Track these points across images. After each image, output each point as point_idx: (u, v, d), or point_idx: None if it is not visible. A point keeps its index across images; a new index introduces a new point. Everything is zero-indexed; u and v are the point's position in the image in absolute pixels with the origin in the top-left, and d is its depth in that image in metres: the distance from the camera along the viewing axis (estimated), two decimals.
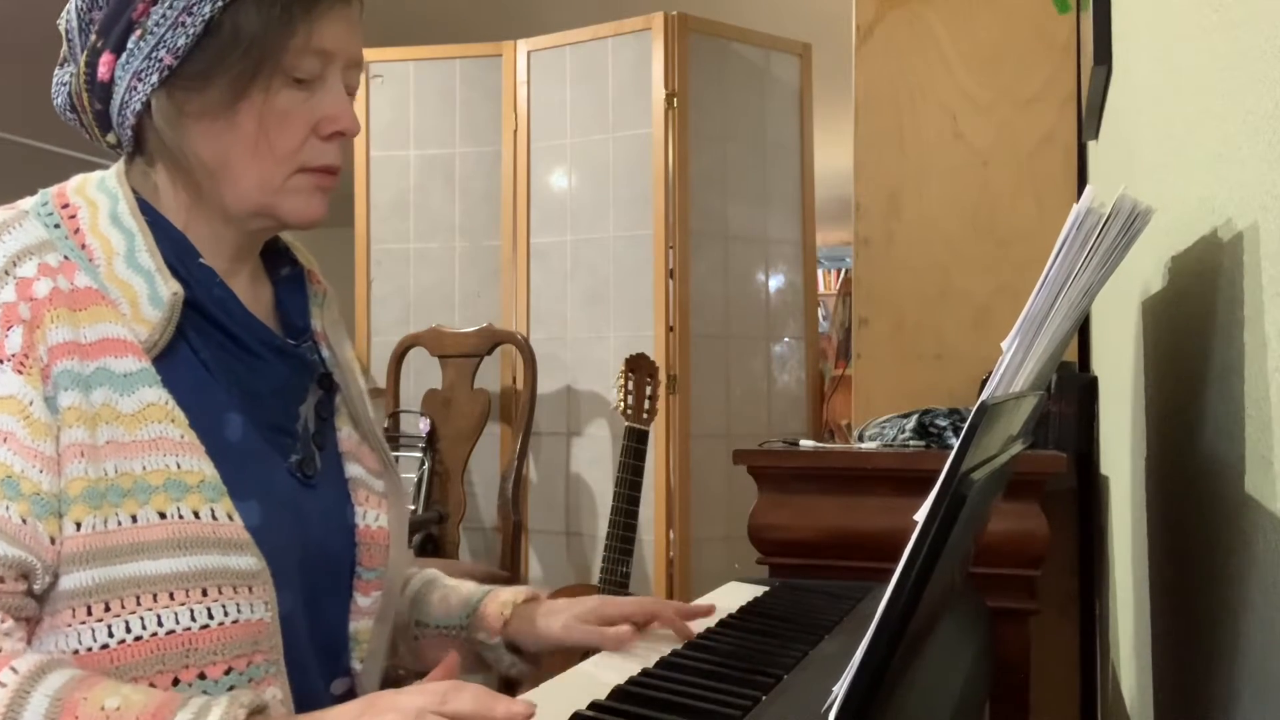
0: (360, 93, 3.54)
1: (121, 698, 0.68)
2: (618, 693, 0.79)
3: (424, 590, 1.10)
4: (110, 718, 0.67)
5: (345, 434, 0.99)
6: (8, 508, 0.74)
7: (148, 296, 0.84)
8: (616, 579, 2.67)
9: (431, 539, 2.94)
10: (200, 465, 0.82)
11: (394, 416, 3.12)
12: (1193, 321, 0.82)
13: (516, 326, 3.20)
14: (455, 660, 0.79)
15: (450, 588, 1.10)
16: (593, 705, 0.76)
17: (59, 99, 0.93)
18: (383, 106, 3.36)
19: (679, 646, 0.91)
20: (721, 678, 0.82)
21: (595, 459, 3.13)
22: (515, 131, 3.25)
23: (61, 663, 0.73)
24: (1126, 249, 0.69)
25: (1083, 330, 2.07)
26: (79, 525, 0.77)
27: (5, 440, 0.76)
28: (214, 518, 0.81)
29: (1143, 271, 1.14)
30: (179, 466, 0.81)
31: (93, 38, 0.88)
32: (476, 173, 3.31)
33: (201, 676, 0.79)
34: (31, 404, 0.77)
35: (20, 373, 0.77)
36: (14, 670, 0.69)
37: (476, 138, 3.31)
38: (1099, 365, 1.86)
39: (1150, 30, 1.06)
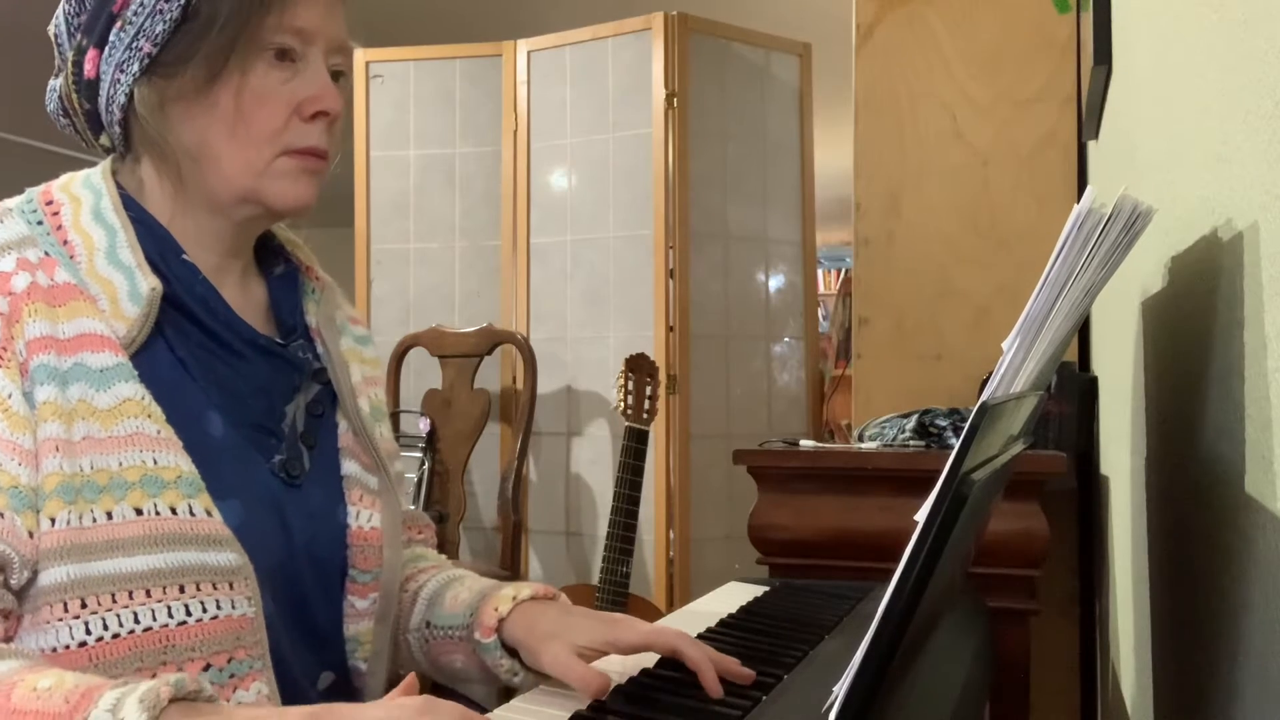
0: (360, 93, 3.53)
1: (55, 679, 0.68)
2: (618, 693, 0.79)
3: (440, 589, 1.03)
4: (40, 696, 0.66)
5: (343, 429, 0.98)
6: None
7: (127, 292, 0.84)
8: (616, 579, 2.67)
9: None
10: (177, 461, 0.81)
11: (394, 416, 3.12)
12: (1193, 321, 0.81)
13: (516, 326, 3.20)
14: (413, 682, 0.72)
15: (466, 585, 1.01)
16: (593, 705, 0.76)
17: (51, 105, 0.93)
18: (383, 106, 3.36)
19: None
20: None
21: (595, 459, 3.13)
22: (515, 131, 3.25)
23: (17, 653, 0.72)
24: (1128, 249, 0.69)
25: (1083, 330, 2.07)
26: (54, 521, 0.76)
27: None
28: (191, 514, 0.81)
29: (1143, 271, 1.14)
30: (155, 462, 0.80)
31: (79, 38, 0.89)
32: (476, 173, 3.31)
33: (180, 673, 0.79)
34: (10, 397, 0.77)
35: None
36: None
37: (476, 138, 3.31)
38: (1099, 365, 1.86)
39: (1150, 30, 1.06)
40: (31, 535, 0.76)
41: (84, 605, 0.77)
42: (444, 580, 1.05)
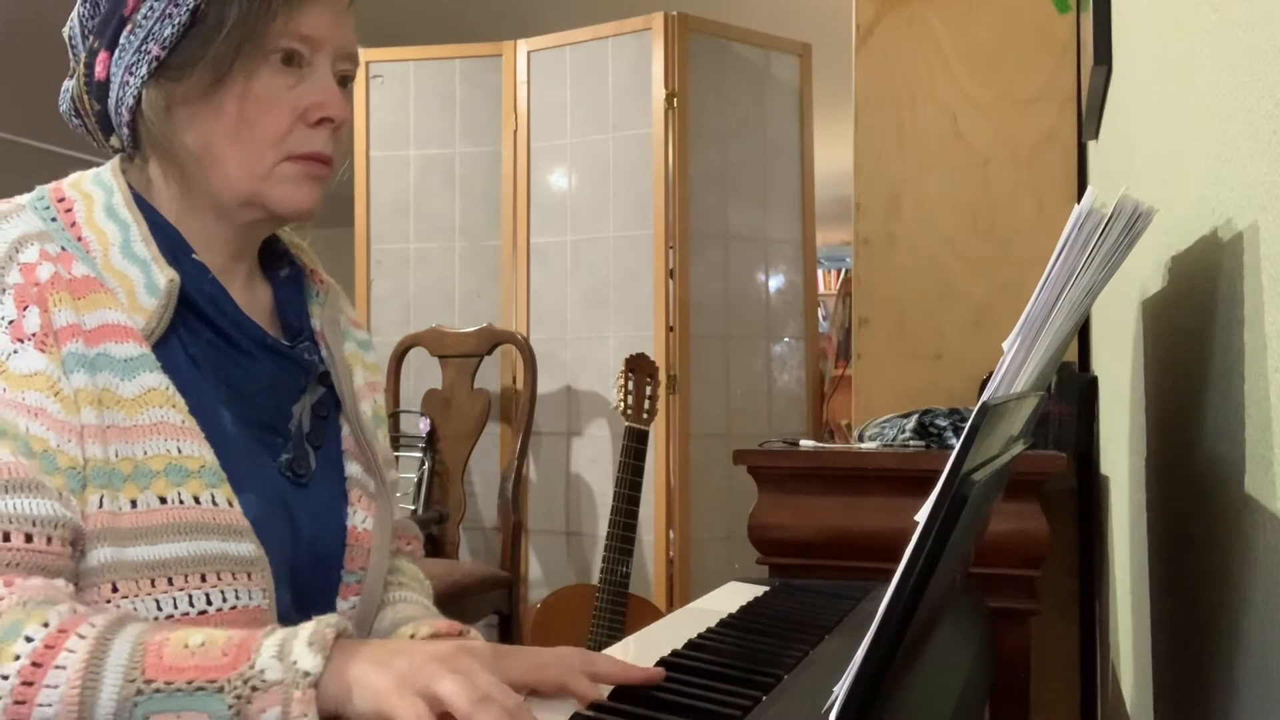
0: (360, 93, 3.53)
1: (206, 635, 0.70)
2: (618, 693, 0.79)
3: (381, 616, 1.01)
4: (195, 653, 0.69)
5: (345, 433, 0.99)
6: (49, 480, 0.76)
7: (144, 285, 0.85)
8: (616, 579, 2.67)
9: (431, 539, 2.94)
10: (201, 451, 0.83)
11: (394, 416, 3.12)
12: (1193, 321, 0.82)
13: (516, 326, 3.20)
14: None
15: (387, 617, 0.99)
16: (593, 705, 0.76)
17: (64, 105, 0.95)
18: (383, 106, 3.36)
19: (679, 646, 0.91)
20: (721, 678, 0.82)
21: (595, 459, 3.12)
22: (515, 131, 3.25)
23: (137, 617, 0.75)
24: (1128, 250, 0.69)
25: (1083, 330, 2.07)
26: (92, 503, 0.78)
27: (37, 415, 0.77)
28: (214, 503, 0.82)
29: (1143, 271, 1.14)
30: (179, 451, 0.82)
31: (91, 40, 0.90)
32: (476, 173, 3.31)
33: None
34: (59, 380, 0.79)
35: (43, 351, 0.79)
36: (92, 624, 0.70)
37: (476, 138, 3.31)
38: (1099, 365, 1.86)
39: (1150, 30, 1.06)
40: (83, 515, 0.78)
41: (115, 589, 0.78)
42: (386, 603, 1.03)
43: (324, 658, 0.68)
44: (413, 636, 0.93)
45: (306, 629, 0.70)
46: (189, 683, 0.67)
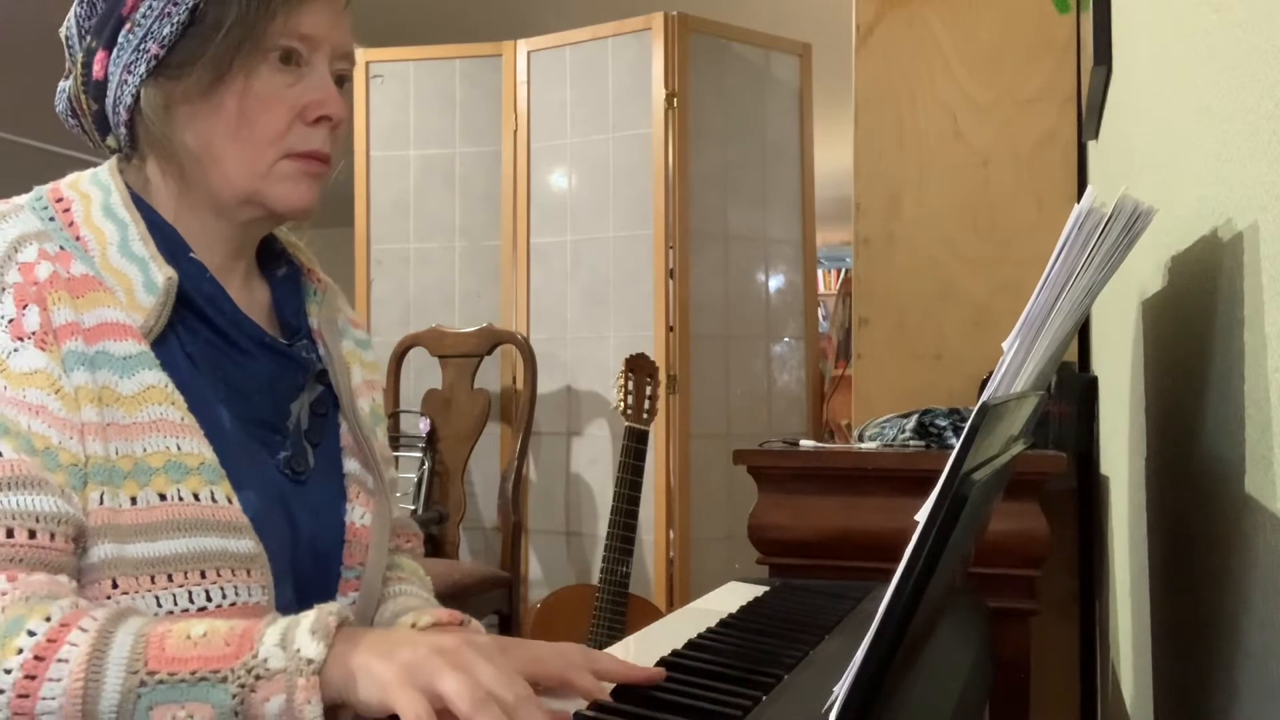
0: (360, 93, 3.53)
1: (208, 625, 0.71)
2: (618, 692, 0.79)
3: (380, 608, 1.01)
4: (198, 644, 0.69)
5: (344, 429, 0.99)
6: (51, 477, 0.76)
7: (142, 283, 0.85)
8: (616, 579, 2.67)
9: (431, 539, 2.94)
10: (200, 448, 0.83)
11: (394, 416, 3.12)
12: (1193, 321, 0.82)
13: (516, 326, 3.20)
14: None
15: (387, 609, 0.99)
16: (593, 705, 0.76)
17: (60, 106, 0.95)
18: (383, 106, 3.36)
19: (679, 646, 0.91)
20: (721, 678, 0.82)
21: (595, 459, 3.12)
22: (515, 131, 3.25)
23: (139, 610, 0.75)
24: (1128, 249, 0.69)
25: (1083, 330, 2.07)
26: (92, 499, 0.79)
27: (38, 413, 0.78)
28: (213, 500, 0.82)
29: (1143, 271, 1.14)
30: (179, 448, 0.82)
31: (89, 39, 0.90)
32: (476, 173, 3.31)
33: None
34: (59, 378, 0.79)
35: (43, 349, 0.79)
36: (94, 618, 0.71)
37: (476, 138, 3.31)
38: (1099, 365, 1.86)
39: (1150, 30, 1.06)
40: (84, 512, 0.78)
41: (115, 586, 0.78)
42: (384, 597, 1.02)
43: (327, 645, 0.68)
44: (414, 626, 0.93)
45: (309, 617, 0.70)
46: (192, 673, 0.68)
